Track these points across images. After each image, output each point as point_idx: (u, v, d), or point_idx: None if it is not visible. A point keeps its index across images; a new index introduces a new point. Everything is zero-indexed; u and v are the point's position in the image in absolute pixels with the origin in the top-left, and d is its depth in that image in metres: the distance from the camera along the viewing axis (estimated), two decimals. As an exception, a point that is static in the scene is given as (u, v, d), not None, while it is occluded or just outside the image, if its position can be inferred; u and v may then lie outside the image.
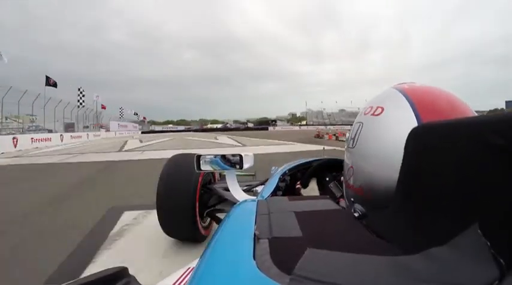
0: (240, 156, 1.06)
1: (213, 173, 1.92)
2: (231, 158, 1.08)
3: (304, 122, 58.98)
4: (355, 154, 0.64)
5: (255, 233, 0.40)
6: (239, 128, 48.65)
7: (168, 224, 1.71)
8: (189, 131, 43.14)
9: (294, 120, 66.68)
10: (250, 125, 52.93)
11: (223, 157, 1.08)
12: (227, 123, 57.54)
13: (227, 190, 1.39)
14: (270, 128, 47.05)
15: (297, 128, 48.47)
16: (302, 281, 0.28)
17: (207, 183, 1.87)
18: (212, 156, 1.10)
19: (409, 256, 0.31)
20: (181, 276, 0.62)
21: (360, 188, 0.62)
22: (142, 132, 38.37)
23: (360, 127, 0.65)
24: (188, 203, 1.61)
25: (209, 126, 56.29)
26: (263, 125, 50.14)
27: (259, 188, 1.72)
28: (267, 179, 1.47)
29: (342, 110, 62.53)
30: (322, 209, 0.52)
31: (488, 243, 0.26)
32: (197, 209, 1.66)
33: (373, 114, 0.63)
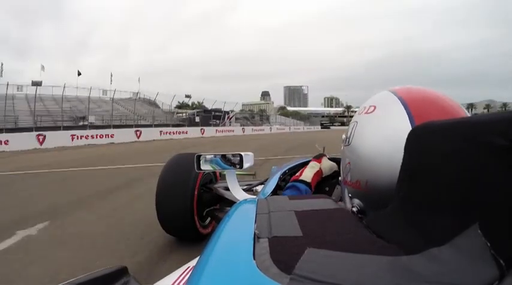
0: (240, 156, 1.07)
1: (214, 173, 1.92)
2: (231, 157, 1.08)
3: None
4: (351, 151, 0.68)
5: (254, 233, 0.40)
6: None
7: (167, 222, 1.73)
8: None
9: None
10: None
11: (223, 156, 1.09)
12: None
13: (227, 189, 1.40)
14: None
15: None
16: (302, 281, 0.27)
17: (208, 182, 1.88)
18: (212, 156, 1.11)
19: (410, 256, 0.31)
20: (181, 275, 0.62)
21: (357, 183, 0.64)
22: None
23: (355, 125, 0.69)
24: (186, 202, 1.63)
25: None
26: None
27: (259, 188, 1.74)
28: (267, 179, 1.48)
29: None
30: (323, 208, 0.52)
31: (488, 244, 0.26)
32: (195, 208, 1.68)
33: (366, 112, 0.67)
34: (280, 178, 1.17)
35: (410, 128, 0.48)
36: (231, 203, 1.46)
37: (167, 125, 21.98)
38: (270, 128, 32.40)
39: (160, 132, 18.53)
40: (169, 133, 19.02)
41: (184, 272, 0.63)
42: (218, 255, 0.38)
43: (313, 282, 0.27)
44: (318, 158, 1.10)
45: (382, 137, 0.60)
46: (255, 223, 0.45)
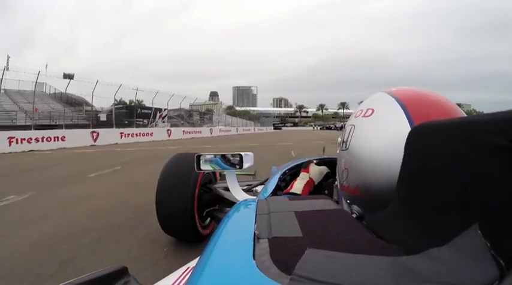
0: (240, 156, 1.07)
1: (214, 173, 1.91)
2: (231, 158, 1.09)
3: None
4: (349, 156, 0.65)
5: (254, 233, 0.40)
6: None
7: (167, 223, 1.71)
8: None
9: None
10: None
11: (223, 156, 1.09)
12: None
13: (227, 189, 1.40)
14: None
15: None
16: (302, 281, 0.28)
17: (208, 182, 1.87)
18: (212, 156, 1.11)
19: (410, 256, 0.31)
20: (181, 275, 0.62)
21: (356, 189, 0.63)
22: None
23: (352, 129, 0.66)
24: (186, 203, 1.62)
25: None
26: None
27: (259, 188, 1.76)
28: (267, 179, 1.49)
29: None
30: (323, 209, 0.52)
31: (488, 244, 0.26)
32: (196, 209, 1.67)
33: (364, 116, 0.65)
34: (280, 178, 1.17)
35: (409, 128, 0.48)
36: (231, 203, 1.46)
37: (27, 127, 12.07)
38: (211, 130, 24.32)
39: (10, 139, 9.43)
40: (29, 141, 10.15)
41: (184, 272, 0.63)
42: (218, 256, 0.38)
43: (313, 282, 0.27)
44: (306, 167, 1.09)
45: (382, 139, 0.58)
46: (255, 223, 0.45)
